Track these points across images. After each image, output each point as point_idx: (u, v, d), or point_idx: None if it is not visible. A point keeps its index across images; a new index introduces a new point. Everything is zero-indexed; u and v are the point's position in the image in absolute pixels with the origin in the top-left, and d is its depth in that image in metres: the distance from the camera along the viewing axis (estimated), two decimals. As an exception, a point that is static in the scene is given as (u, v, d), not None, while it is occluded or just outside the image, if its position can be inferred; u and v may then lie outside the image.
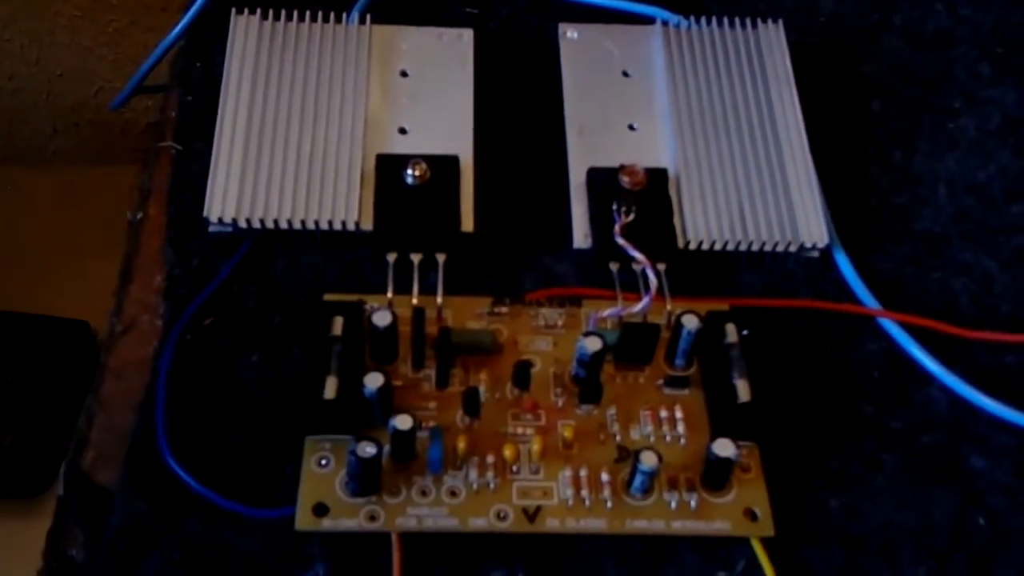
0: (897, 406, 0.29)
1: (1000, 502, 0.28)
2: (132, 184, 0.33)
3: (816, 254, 0.32)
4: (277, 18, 0.34)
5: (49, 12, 0.69)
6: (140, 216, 0.32)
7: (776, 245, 0.31)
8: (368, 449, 0.25)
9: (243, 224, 0.31)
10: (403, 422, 0.25)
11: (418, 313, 0.28)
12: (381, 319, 0.27)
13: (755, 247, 0.32)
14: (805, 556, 0.27)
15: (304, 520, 0.26)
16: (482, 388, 0.28)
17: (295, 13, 0.34)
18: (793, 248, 0.32)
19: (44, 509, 0.54)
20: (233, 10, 0.34)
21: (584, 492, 0.26)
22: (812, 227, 0.32)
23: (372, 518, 0.26)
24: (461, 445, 0.26)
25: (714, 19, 0.36)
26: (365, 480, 0.25)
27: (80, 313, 0.60)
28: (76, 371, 0.58)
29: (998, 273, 0.32)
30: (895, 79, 0.38)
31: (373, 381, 0.26)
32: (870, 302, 0.31)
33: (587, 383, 0.27)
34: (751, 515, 0.26)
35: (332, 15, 0.34)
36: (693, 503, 0.26)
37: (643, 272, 0.30)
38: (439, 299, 0.29)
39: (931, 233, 0.33)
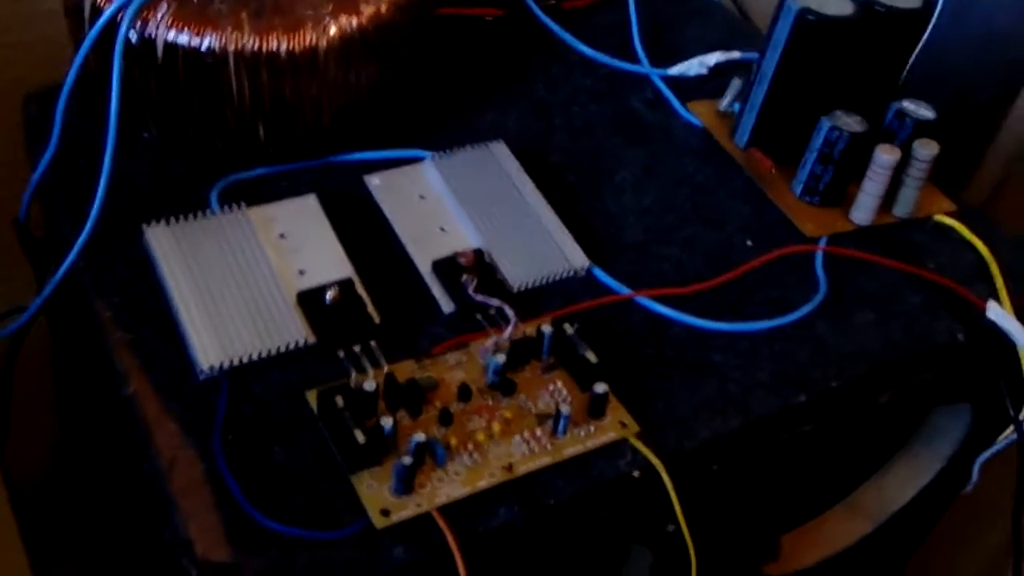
0: (662, 342, 0.48)
1: (737, 382, 0.47)
2: None
3: (583, 273, 0.50)
4: (177, 219, 0.46)
5: None
6: (132, 390, 0.42)
7: (560, 274, 0.49)
8: (407, 460, 0.38)
9: (227, 365, 0.42)
10: (420, 437, 0.39)
11: (390, 376, 0.42)
12: (369, 385, 0.41)
13: (548, 279, 0.49)
14: (659, 439, 0.44)
15: (379, 521, 0.38)
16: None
17: (191, 215, 0.46)
18: (569, 273, 0.50)
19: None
20: (144, 225, 0.46)
21: (532, 444, 0.42)
22: (576, 257, 0.50)
23: (418, 505, 0.39)
24: (453, 441, 0.40)
25: (459, 150, 0.53)
26: (407, 482, 0.39)
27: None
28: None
29: (680, 255, 0.53)
30: (572, 159, 0.57)
31: (386, 422, 0.39)
32: (625, 291, 0.50)
33: (503, 383, 0.43)
34: (623, 425, 0.43)
35: (224, 207, 0.47)
36: (592, 428, 0.43)
37: (500, 311, 0.46)
38: (385, 368, 0.43)
39: (639, 243, 0.53)
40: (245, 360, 0.42)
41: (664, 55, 0.64)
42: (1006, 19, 0.69)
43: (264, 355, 0.43)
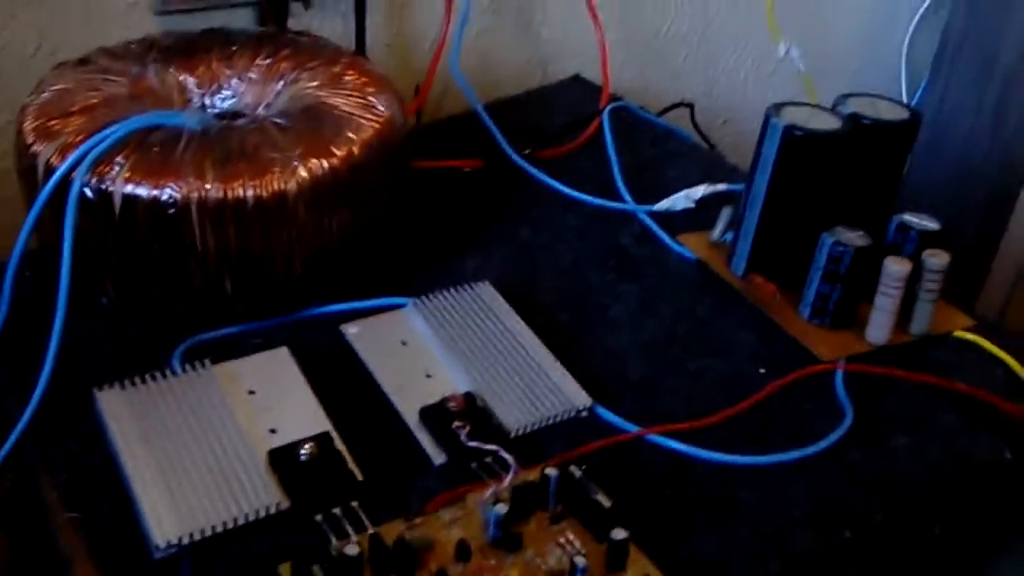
0: (680, 482, 0.43)
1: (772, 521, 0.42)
2: None
3: (585, 413, 0.46)
4: (133, 383, 0.42)
5: None
6: (75, 578, 0.36)
7: (561, 415, 0.45)
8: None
9: (186, 540, 0.37)
10: (413, 605, 0.33)
11: (375, 537, 0.36)
12: (351, 550, 0.35)
13: (548, 421, 0.44)
14: (689, 590, 0.38)
15: None
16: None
17: (150, 377, 0.42)
18: (571, 413, 0.45)
19: None
20: (94, 389, 0.41)
21: (545, 607, 0.36)
22: (577, 396, 0.46)
23: None
24: (452, 611, 0.34)
25: (442, 292, 0.50)
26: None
27: None
28: None
29: (689, 388, 0.49)
30: (562, 297, 0.54)
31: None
32: (633, 429, 0.45)
33: (507, 538, 0.37)
34: (647, 577, 0.38)
35: (186, 367, 0.43)
36: (612, 584, 0.37)
37: (498, 457, 0.41)
38: (370, 529, 0.37)
39: (644, 379, 0.49)
40: (208, 532, 0.37)
41: (647, 193, 0.62)
42: (984, 137, 0.68)
43: (230, 525, 0.37)
